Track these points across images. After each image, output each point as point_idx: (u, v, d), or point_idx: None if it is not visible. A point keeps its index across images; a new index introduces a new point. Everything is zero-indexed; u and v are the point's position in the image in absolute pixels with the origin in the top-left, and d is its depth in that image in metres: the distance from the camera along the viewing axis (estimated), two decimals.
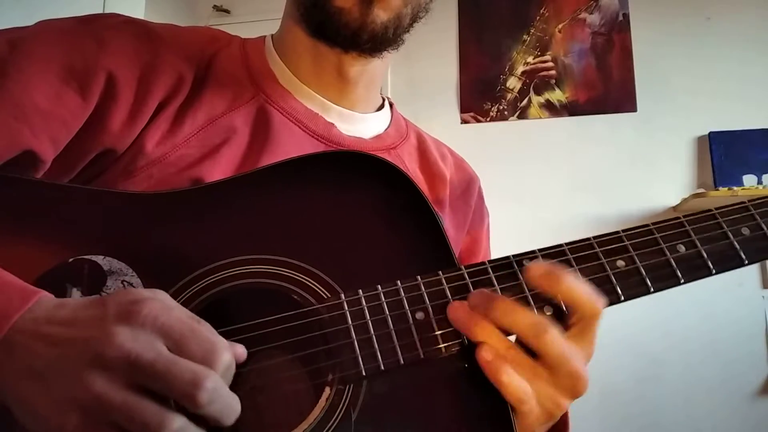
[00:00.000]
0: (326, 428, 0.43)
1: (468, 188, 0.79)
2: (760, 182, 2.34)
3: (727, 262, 0.49)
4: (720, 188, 2.30)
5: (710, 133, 2.41)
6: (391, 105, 0.77)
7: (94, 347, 0.37)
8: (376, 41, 0.62)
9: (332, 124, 0.67)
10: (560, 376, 0.46)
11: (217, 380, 0.38)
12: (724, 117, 2.40)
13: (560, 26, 2.64)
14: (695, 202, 2.26)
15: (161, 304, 0.39)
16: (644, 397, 2.23)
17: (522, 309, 0.46)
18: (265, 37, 0.71)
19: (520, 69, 2.64)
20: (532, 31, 2.66)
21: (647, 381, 2.23)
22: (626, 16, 2.59)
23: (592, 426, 2.19)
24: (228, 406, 0.39)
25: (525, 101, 2.61)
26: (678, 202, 2.34)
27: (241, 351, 0.42)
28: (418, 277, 0.48)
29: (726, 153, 2.37)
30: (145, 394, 0.37)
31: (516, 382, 0.45)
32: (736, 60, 2.44)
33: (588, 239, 0.51)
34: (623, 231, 0.51)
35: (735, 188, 2.24)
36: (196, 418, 0.38)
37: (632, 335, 2.18)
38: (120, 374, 0.36)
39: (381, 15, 0.60)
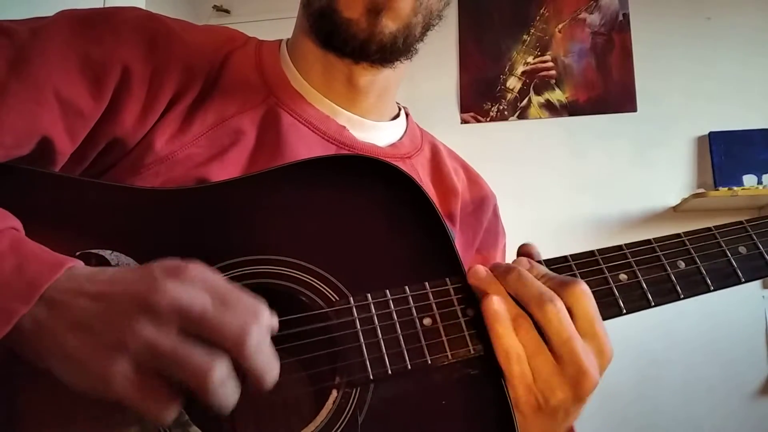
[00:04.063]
0: (332, 431, 0.44)
1: (481, 205, 0.77)
2: (760, 182, 2.34)
3: (725, 279, 0.50)
4: (720, 188, 2.30)
5: (710, 133, 2.41)
6: (407, 115, 0.76)
7: (144, 297, 0.37)
8: (386, 52, 0.61)
9: (344, 127, 0.66)
10: (564, 363, 0.45)
11: (263, 332, 0.39)
12: (724, 117, 2.40)
13: (560, 26, 2.64)
14: (695, 202, 2.26)
15: (204, 267, 0.40)
16: (644, 397, 2.24)
17: (533, 279, 0.47)
18: (281, 40, 0.71)
19: (520, 69, 2.64)
20: (532, 31, 2.65)
21: (647, 381, 2.24)
22: (626, 16, 2.59)
23: (592, 426, 2.20)
24: (270, 361, 0.39)
25: (525, 101, 2.61)
26: (678, 202, 2.34)
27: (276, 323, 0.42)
28: (426, 283, 0.49)
29: (726, 153, 2.37)
30: (194, 342, 0.37)
31: (510, 337, 0.46)
32: (736, 60, 2.44)
33: (592, 252, 0.52)
34: (626, 245, 0.52)
35: (735, 188, 2.24)
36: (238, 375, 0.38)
37: (632, 335, 2.18)
38: (170, 323, 0.37)
39: (389, 25, 0.59)
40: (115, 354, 0.36)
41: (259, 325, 0.39)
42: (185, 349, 0.36)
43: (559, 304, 0.46)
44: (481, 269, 0.50)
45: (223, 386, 0.37)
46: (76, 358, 0.37)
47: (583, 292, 0.46)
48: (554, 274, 0.49)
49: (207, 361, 0.36)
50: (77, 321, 0.38)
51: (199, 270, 0.40)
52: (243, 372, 0.38)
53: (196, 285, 0.39)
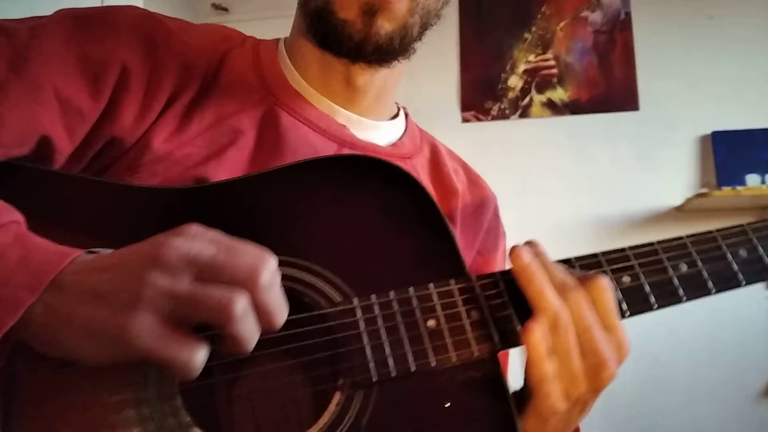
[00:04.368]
0: None
1: (481, 206, 0.77)
2: (763, 182, 2.33)
3: (726, 282, 0.51)
4: (723, 188, 2.29)
5: (713, 132, 2.40)
6: (406, 114, 0.76)
7: (152, 255, 0.38)
8: (382, 52, 0.61)
9: (344, 125, 0.66)
10: (585, 352, 0.46)
11: (273, 272, 0.40)
12: (727, 116, 2.39)
13: (562, 24, 2.63)
14: (699, 202, 2.25)
15: (204, 227, 0.41)
16: (647, 398, 2.23)
17: (557, 267, 0.48)
18: (278, 39, 0.71)
19: (522, 67, 2.63)
20: (534, 29, 2.65)
21: (650, 382, 2.23)
22: (628, 15, 2.58)
23: (593, 426, 2.19)
24: (281, 300, 0.40)
25: (526, 100, 2.60)
26: (681, 202, 2.33)
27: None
28: (431, 285, 0.49)
29: (729, 152, 2.36)
30: (209, 284, 0.38)
31: (551, 293, 0.46)
32: (739, 59, 2.43)
33: (595, 254, 0.52)
34: (629, 248, 0.52)
35: (738, 188, 2.23)
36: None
37: (635, 336, 2.16)
38: (183, 271, 0.38)
39: (385, 26, 0.59)
40: (132, 310, 0.36)
41: (269, 266, 0.39)
42: (203, 288, 0.37)
43: (583, 292, 0.46)
44: (526, 260, 0.49)
45: (246, 317, 0.38)
46: (92, 327, 0.37)
47: (606, 285, 0.47)
48: (572, 270, 0.50)
49: (227, 295, 0.37)
50: (87, 292, 0.38)
51: (199, 227, 0.40)
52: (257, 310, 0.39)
53: (201, 238, 0.40)
